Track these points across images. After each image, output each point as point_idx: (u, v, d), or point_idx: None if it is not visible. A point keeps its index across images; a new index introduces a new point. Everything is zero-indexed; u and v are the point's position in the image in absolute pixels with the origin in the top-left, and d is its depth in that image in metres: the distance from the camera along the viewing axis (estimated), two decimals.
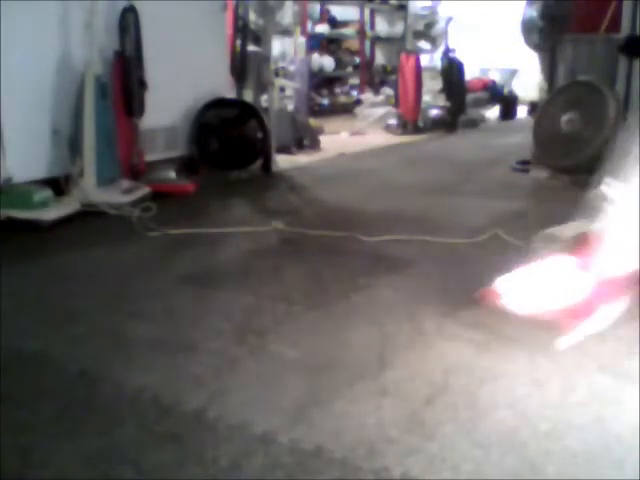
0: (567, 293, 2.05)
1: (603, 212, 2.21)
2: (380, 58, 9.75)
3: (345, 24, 8.95)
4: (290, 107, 5.87)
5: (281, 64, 6.96)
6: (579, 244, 2.25)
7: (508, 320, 2.06)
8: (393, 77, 8.15)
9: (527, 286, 2.11)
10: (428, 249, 2.91)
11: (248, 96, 4.79)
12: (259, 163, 4.58)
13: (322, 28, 8.43)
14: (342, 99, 8.57)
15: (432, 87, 7.30)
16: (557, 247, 2.27)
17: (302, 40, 7.02)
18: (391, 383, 1.77)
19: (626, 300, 2.08)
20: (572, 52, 4.68)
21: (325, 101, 8.24)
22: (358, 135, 6.72)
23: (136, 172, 3.90)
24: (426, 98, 7.10)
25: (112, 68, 3.76)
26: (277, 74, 6.25)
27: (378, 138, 6.61)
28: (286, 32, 6.81)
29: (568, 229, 2.32)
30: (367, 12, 9.25)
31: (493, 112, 8.48)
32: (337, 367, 1.86)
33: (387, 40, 9.53)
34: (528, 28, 5.03)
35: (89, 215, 3.36)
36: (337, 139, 6.35)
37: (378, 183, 4.41)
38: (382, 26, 9.68)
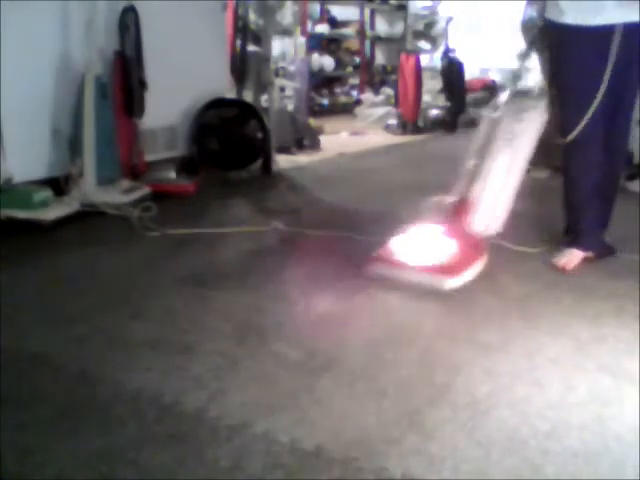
0: (438, 254, 2.49)
1: (476, 182, 2.61)
2: (380, 58, 9.75)
3: (345, 24, 8.94)
4: (290, 107, 5.86)
5: (281, 64, 6.96)
6: (456, 210, 2.62)
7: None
8: (393, 77, 8.14)
9: (411, 245, 2.55)
10: None
11: (248, 96, 4.79)
12: (259, 163, 4.58)
13: (322, 28, 8.42)
14: (342, 99, 8.56)
15: (432, 87, 7.29)
16: (438, 212, 2.62)
17: (302, 40, 7.02)
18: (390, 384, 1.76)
19: (484, 258, 2.54)
20: None
21: (325, 101, 8.24)
22: (358, 135, 6.72)
23: (136, 172, 3.90)
24: (426, 98, 7.09)
25: (112, 68, 3.76)
26: (277, 74, 6.24)
27: (378, 138, 6.61)
28: (286, 32, 6.79)
29: (449, 197, 2.66)
30: (367, 12, 9.24)
31: None
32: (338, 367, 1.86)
33: (387, 40, 9.52)
34: (528, 28, 5.02)
35: (89, 215, 3.36)
36: (337, 139, 6.35)
37: (378, 183, 4.41)
38: (382, 26, 9.67)
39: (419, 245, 2.54)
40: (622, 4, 2.50)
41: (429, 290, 2.38)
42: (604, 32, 2.53)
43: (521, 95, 2.79)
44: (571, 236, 2.82)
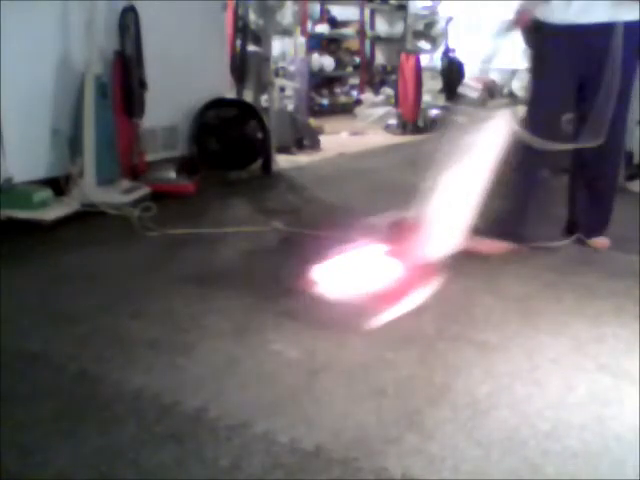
0: (378, 279, 2.17)
1: (419, 202, 2.39)
2: (380, 58, 9.75)
3: (345, 24, 8.94)
4: (290, 107, 5.86)
5: (281, 64, 6.96)
6: (394, 231, 2.44)
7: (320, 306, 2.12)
8: (393, 77, 8.14)
9: (342, 273, 2.22)
10: None
11: (248, 96, 4.79)
12: (259, 163, 4.58)
13: (322, 28, 8.42)
14: (342, 99, 8.56)
15: (432, 87, 7.30)
16: (375, 234, 2.41)
17: (302, 40, 7.02)
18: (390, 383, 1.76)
19: (433, 284, 2.24)
20: None
21: (325, 101, 8.24)
22: (358, 135, 6.72)
23: (136, 172, 3.90)
24: (426, 98, 7.10)
25: (112, 68, 3.76)
26: (277, 74, 6.24)
27: (378, 138, 6.61)
28: (286, 32, 6.80)
29: (386, 217, 2.51)
30: (367, 12, 9.25)
31: None
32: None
33: (387, 40, 9.52)
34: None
35: (89, 215, 3.36)
36: (337, 139, 6.35)
37: (378, 183, 4.41)
38: (382, 26, 9.67)
39: (350, 271, 2.22)
40: (609, 4, 2.54)
41: (350, 328, 2.04)
42: (587, 31, 2.57)
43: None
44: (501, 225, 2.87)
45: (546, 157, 2.75)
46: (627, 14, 2.58)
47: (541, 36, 2.73)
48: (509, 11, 2.85)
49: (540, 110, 2.74)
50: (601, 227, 2.93)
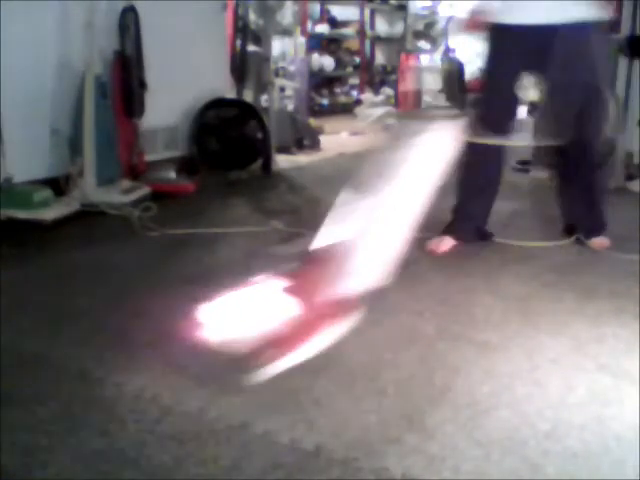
0: (276, 320, 1.76)
1: (329, 231, 1.99)
2: (380, 58, 9.75)
3: (345, 24, 8.93)
4: (290, 107, 5.86)
5: (281, 64, 6.96)
6: (302, 265, 1.99)
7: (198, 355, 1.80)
8: (393, 77, 8.14)
9: (235, 314, 1.82)
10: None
11: (248, 96, 4.79)
12: (259, 163, 4.58)
13: (322, 28, 8.41)
14: (342, 99, 8.56)
15: (432, 87, 7.29)
16: (281, 267, 2.02)
17: (302, 40, 7.02)
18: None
19: (347, 321, 1.86)
20: None
21: (325, 101, 8.23)
22: (358, 135, 6.71)
23: (136, 172, 3.90)
24: (426, 98, 7.09)
25: (112, 68, 3.76)
26: (277, 74, 6.24)
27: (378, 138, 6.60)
28: (286, 32, 6.79)
29: (292, 248, 2.13)
30: (367, 12, 9.24)
31: None
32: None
33: (387, 40, 9.52)
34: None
35: (89, 215, 3.36)
36: (337, 139, 6.35)
37: None
38: (382, 26, 9.67)
39: (242, 311, 1.84)
40: (554, 4, 2.55)
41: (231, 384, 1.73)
42: (534, 32, 2.58)
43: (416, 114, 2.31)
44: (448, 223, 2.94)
45: (494, 154, 2.82)
46: (573, 14, 2.55)
47: (491, 36, 2.78)
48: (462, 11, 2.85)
49: (489, 109, 2.77)
50: (599, 227, 2.94)
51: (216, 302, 1.85)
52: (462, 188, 2.92)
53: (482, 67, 2.93)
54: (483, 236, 3.00)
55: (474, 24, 2.68)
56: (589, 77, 2.65)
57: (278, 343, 1.70)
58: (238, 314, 1.80)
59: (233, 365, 1.72)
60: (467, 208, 2.93)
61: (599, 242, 2.93)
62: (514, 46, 2.66)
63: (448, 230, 2.94)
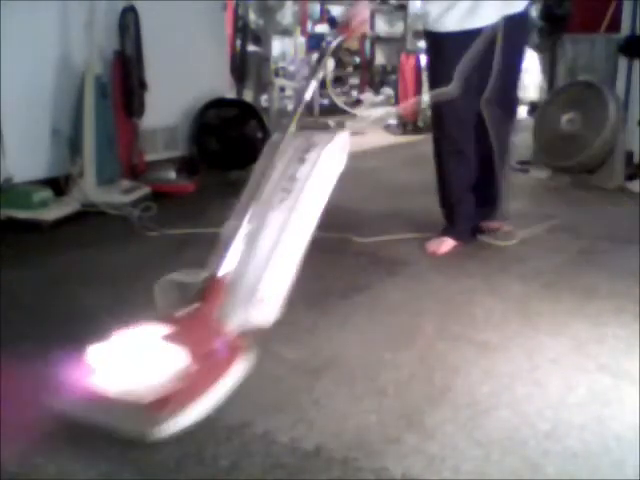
0: (157, 373, 1.48)
1: (225, 256, 1.81)
2: (380, 58, 9.75)
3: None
4: (290, 107, 5.86)
5: (281, 64, 6.96)
6: (204, 293, 1.73)
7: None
8: (393, 77, 8.14)
9: (122, 357, 1.54)
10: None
11: (248, 96, 4.79)
12: None
13: (322, 28, 8.42)
14: (342, 99, 8.56)
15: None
16: (180, 298, 1.76)
17: (302, 40, 7.02)
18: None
19: (241, 366, 1.66)
20: (572, 52, 4.68)
21: (325, 101, 8.24)
22: (358, 135, 6.71)
23: (136, 172, 3.90)
24: (426, 98, 7.09)
25: (112, 68, 3.76)
26: (277, 74, 6.24)
27: (378, 138, 6.61)
28: (286, 32, 6.80)
29: (199, 274, 1.78)
30: None
31: None
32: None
33: (387, 40, 9.52)
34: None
35: (89, 215, 3.36)
36: None
37: (378, 183, 4.41)
38: (382, 26, 9.67)
39: (133, 355, 1.53)
40: (498, 6, 2.65)
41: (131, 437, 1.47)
42: (479, 33, 2.66)
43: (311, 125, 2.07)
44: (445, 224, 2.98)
45: (470, 157, 2.86)
46: (514, 8, 2.70)
47: (435, 42, 2.81)
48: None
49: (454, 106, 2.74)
50: (479, 217, 3.01)
51: (112, 340, 1.57)
52: (451, 187, 2.94)
53: (432, 69, 2.94)
54: (474, 233, 3.03)
55: (347, 29, 2.63)
56: (519, 59, 2.87)
57: (177, 396, 1.47)
58: (129, 361, 1.51)
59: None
60: (463, 207, 2.94)
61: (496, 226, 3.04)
62: (466, 47, 2.69)
63: (447, 231, 2.94)
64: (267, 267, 1.76)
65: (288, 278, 1.79)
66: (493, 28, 2.67)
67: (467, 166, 2.89)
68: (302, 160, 1.87)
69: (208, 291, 1.72)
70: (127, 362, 1.51)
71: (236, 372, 1.63)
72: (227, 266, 1.77)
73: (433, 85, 2.86)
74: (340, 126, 2.01)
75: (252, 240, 1.80)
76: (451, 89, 2.58)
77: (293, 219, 1.81)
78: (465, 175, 2.90)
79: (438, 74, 2.80)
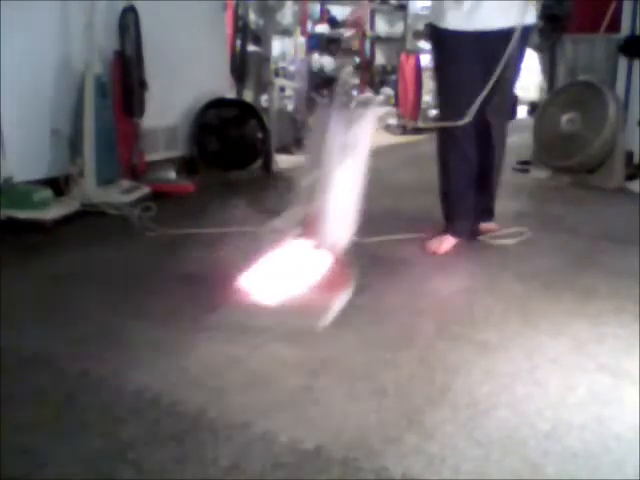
0: (309, 273, 2.13)
1: (316, 195, 2.32)
2: (380, 58, 9.74)
3: (345, 24, 8.94)
4: (290, 107, 5.86)
5: (281, 64, 6.95)
6: (305, 227, 2.31)
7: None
8: (393, 77, 8.14)
9: (272, 275, 2.15)
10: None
11: (248, 96, 4.79)
12: (259, 163, 4.58)
13: (322, 28, 8.41)
14: None
15: (432, 87, 7.28)
16: (287, 233, 2.32)
17: (302, 40, 7.01)
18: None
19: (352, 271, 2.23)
20: (572, 52, 4.68)
21: (325, 101, 8.23)
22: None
23: (136, 172, 3.90)
24: (426, 98, 7.09)
25: (112, 68, 3.76)
26: (277, 74, 6.24)
27: (378, 138, 6.61)
28: (286, 32, 6.79)
29: (290, 216, 2.39)
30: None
31: None
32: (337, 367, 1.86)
33: (387, 40, 9.52)
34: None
35: (89, 215, 3.36)
36: None
37: (378, 183, 4.38)
38: (382, 26, 9.67)
39: (281, 271, 2.17)
40: (498, 11, 2.70)
41: (298, 332, 2.01)
42: (483, 36, 2.72)
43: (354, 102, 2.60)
44: (445, 223, 3.01)
45: (473, 155, 2.90)
46: (525, 18, 2.73)
47: (445, 40, 2.85)
48: None
49: (457, 105, 2.79)
50: (476, 216, 3.04)
51: (255, 268, 2.12)
52: (452, 184, 2.96)
53: (439, 66, 2.98)
54: (475, 233, 3.03)
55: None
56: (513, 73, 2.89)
57: (323, 290, 2.04)
58: (279, 274, 2.11)
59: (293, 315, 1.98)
60: (463, 204, 2.95)
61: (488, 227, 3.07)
62: (474, 47, 2.75)
63: (448, 229, 2.95)
64: (344, 203, 2.34)
65: (357, 207, 2.39)
66: (507, 34, 2.68)
67: (468, 163, 2.90)
68: (349, 130, 2.46)
69: (310, 223, 2.27)
70: (279, 274, 2.07)
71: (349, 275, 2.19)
72: (316, 204, 2.30)
73: (439, 84, 2.94)
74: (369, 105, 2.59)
75: (331, 185, 2.31)
76: (466, 120, 2.67)
77: (353, 169, 2.44)
78: (466, 172, 2.91)
79: (444, 73, 2.88)
